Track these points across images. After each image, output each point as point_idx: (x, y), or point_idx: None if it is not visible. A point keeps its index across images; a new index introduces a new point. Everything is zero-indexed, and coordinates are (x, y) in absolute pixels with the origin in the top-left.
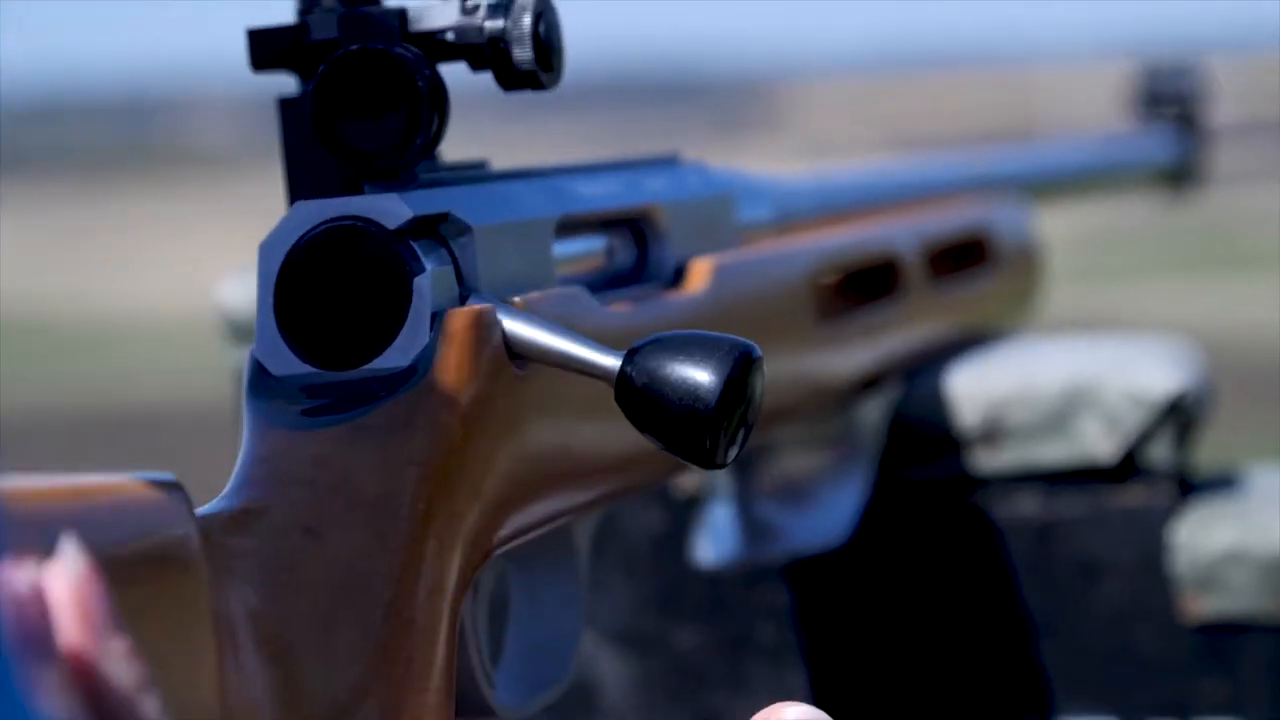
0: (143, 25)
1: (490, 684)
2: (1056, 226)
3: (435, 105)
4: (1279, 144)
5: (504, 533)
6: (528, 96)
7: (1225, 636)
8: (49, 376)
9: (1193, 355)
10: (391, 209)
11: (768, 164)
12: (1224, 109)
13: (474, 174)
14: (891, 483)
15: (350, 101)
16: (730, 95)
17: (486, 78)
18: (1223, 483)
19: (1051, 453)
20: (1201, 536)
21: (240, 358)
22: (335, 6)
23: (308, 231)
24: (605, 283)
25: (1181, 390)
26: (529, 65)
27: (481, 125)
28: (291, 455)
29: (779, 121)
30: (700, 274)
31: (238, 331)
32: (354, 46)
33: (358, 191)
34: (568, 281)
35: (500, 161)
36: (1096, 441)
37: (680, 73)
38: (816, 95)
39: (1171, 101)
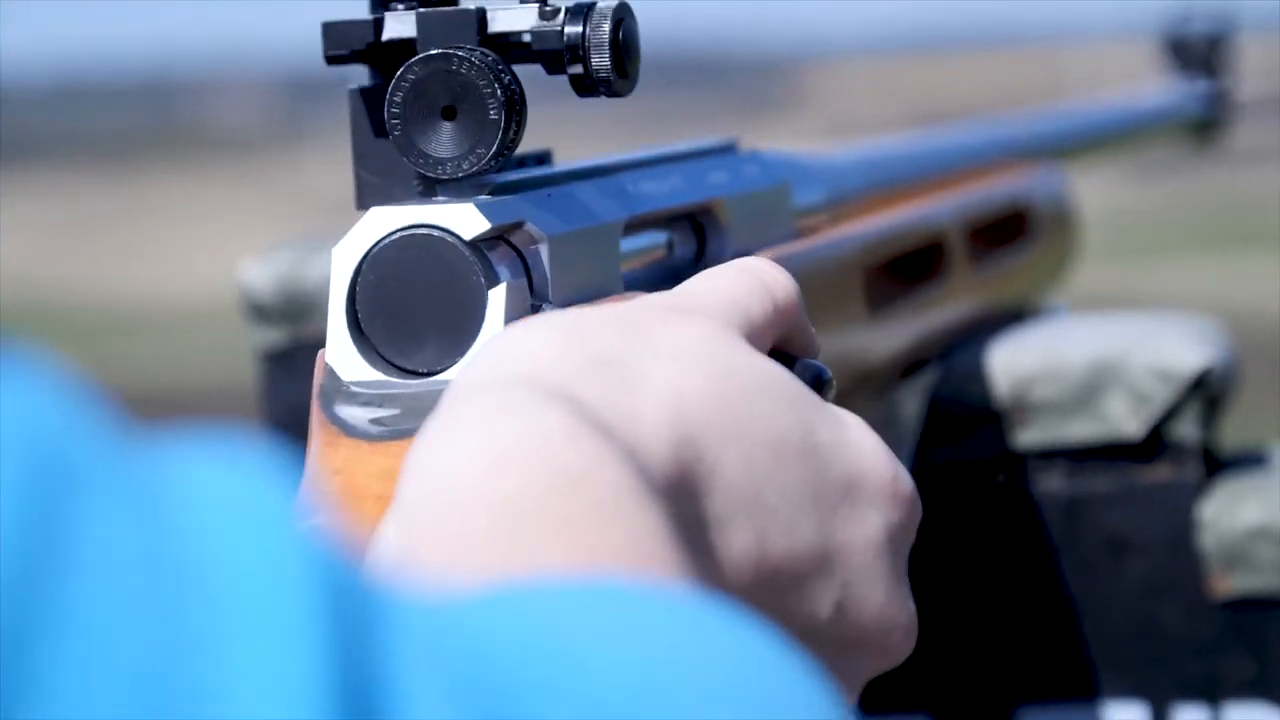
0: (166, 6)
1: None
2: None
3: (513, 112)
4: None
5: None
6: (550, 77)
7: (1252, 614)
8: (73, 362)
9: (1219, 332)
10: (468, 219)
11: (793, 143)
12: (1250, 86)
13: (544, 175)
14: (921, 460)
15: (427, 107)
16: (755, 75)
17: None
18: (1250, 460)
19: (1078, 429)
20: (1228, 513)
21: (263, 339)
22: (413, 2)
23: (383, 238)
24: (665, 276)
25: (1208, 366)
26: (606, 72)
27: None
28: (362, 467)
29: (804, 101)
30: None
31: (260, 313)
32: (434, 50)
33: (432, 194)
34: (631, 277)
35: (527, 146)
36: (1123, 418)
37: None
38: (841, 74)
39: (1196, 50)
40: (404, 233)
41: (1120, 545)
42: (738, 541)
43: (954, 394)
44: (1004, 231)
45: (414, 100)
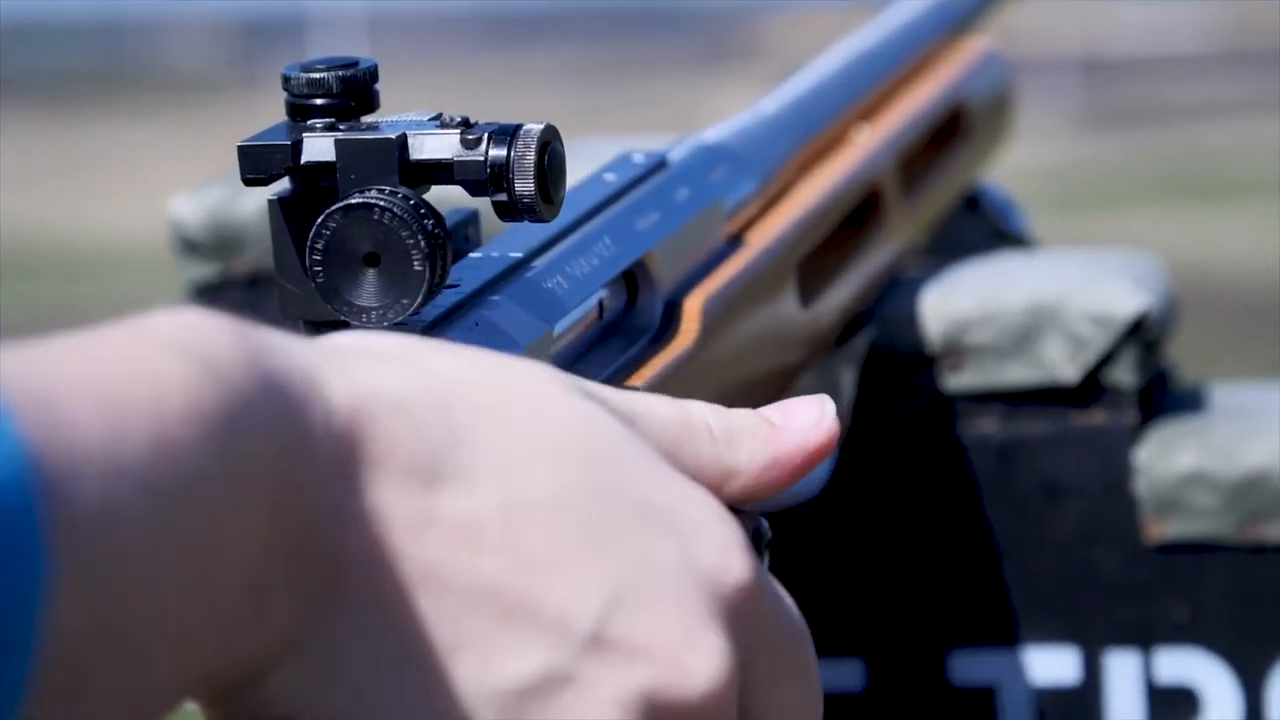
0: None
1: None
2: (1033, 156)
3: (437, 258)
4: (1259, 74)
5: None
6: (506, 26)
7: (1186, 559)
8: (11, 302)
9: (1157, 272)
10: None
11: (749, 93)
12: (1207, 40)
13: (467, 296)
14: (856, 406)
15: (349, 255)
16: (711, 24)
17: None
18: (1186, 403)
19: (1014, 373)
20: (1163, 459)
21: (193, 274)
22: (332, 124)
23: None
24: (596, 337)
25: (1145, 310)
26: (530, 199)
27: (460, 55)
28: None
29: (760, 51)
30: (690, 317)
31: (190, 248)
32: (354, 199)
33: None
34: (559, 354)
35: (484, 94)
36: (1059, 362)
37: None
38: (798, 25)
39: None
40: None
41: (1055, 490)
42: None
43: (889, 339)
44: (939, 138)
45: (336, 249)
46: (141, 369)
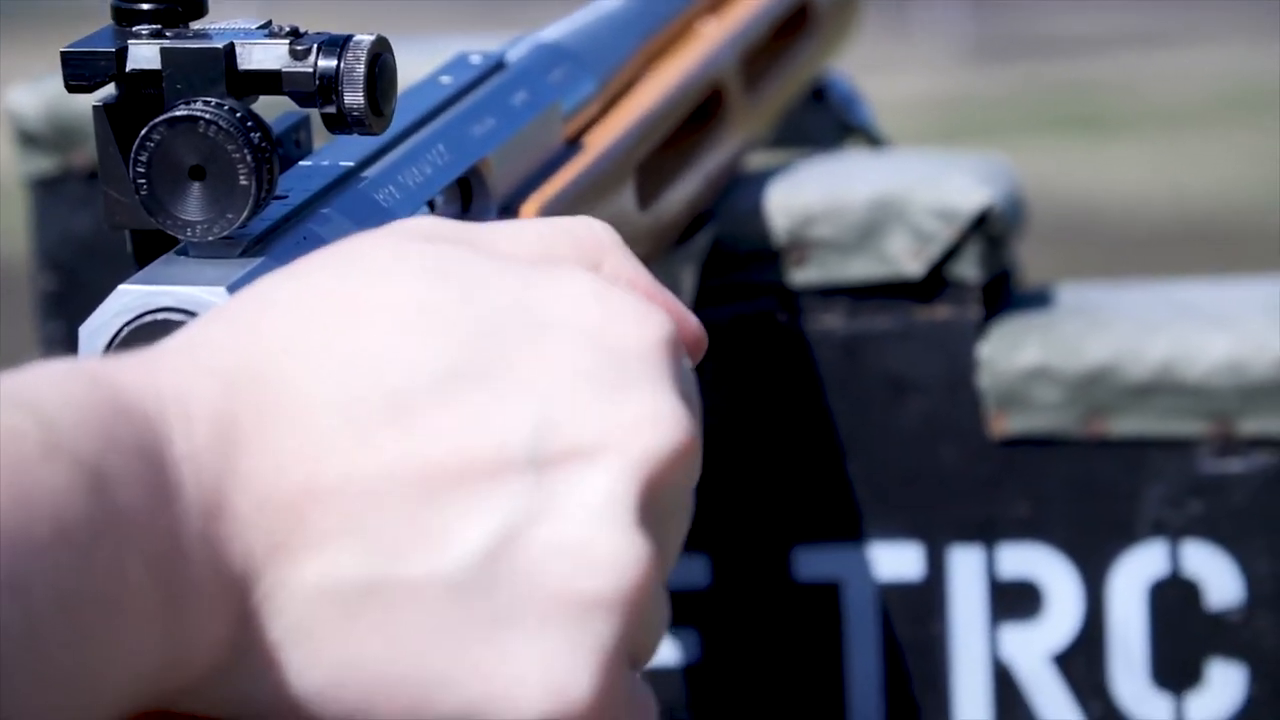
0: None
1: None
2: (921, 87)
3: (264, 172)
4: (1148, 7)
5: None
6: None
7: (1029, 454)
8: None
9: (1004, 170)
10: (215, 302)
11: None
12: None
13: (295, 209)
14: (699, 298)
15: (174, 168)
16: None
17: None
18: (1031, 300)
19: (858, 268)
20: (1006, 353)
21: (32, 167)
22: (159, 31)
23: (130, 321)
24: None
25: (989, 204)
26: (360, 111)
27: None
28: None
29: None
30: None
31: (29, 140)
32: (178, 111)
33: (185, 255)
34: None
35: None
36: (904, 257)
37: None
38: None
39: None
40: (151, 316)
41: (899, 385)
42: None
43: (731, 230)
44: (784, 31)
45: (160, 161)
46: None
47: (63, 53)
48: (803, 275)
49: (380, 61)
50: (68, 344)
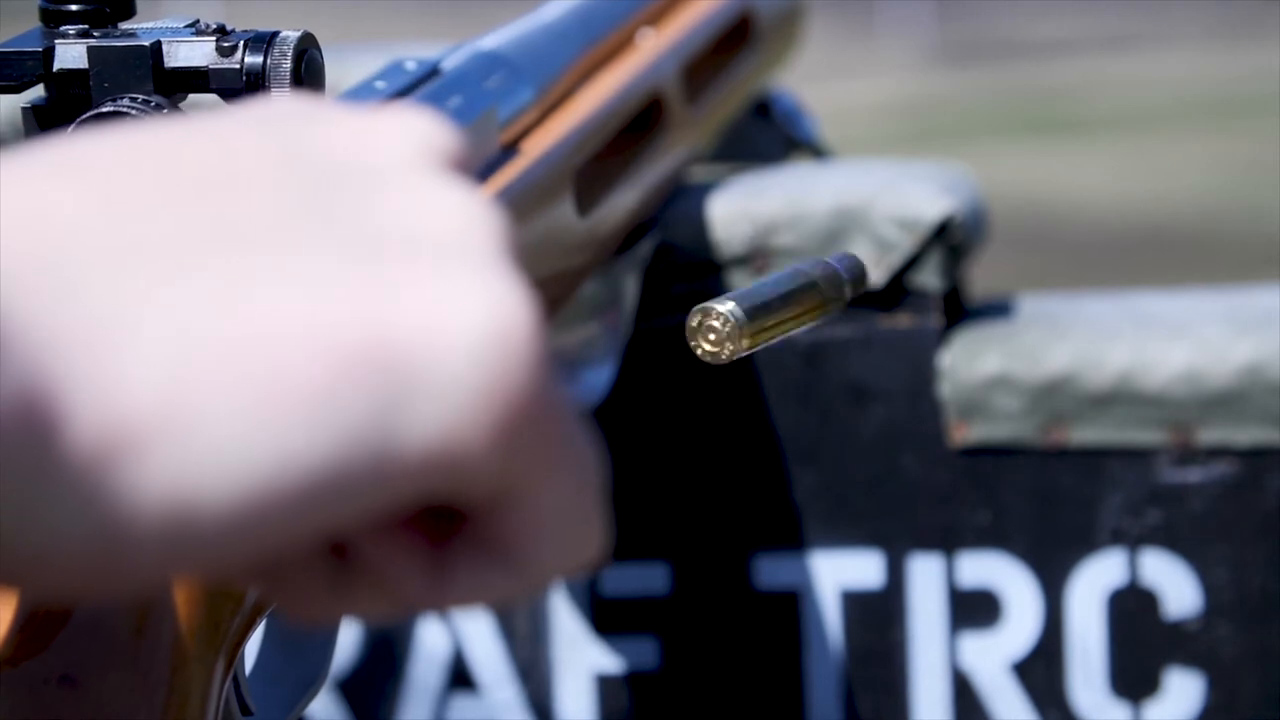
0: None
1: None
2: (886, 90)
3: None
4: (1112, 11)
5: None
6: None
7: (989, 463)
8: None
9: (965, 180)
10: None
11: None
12: None
13: None
14: (657, 306)
15: None
16: None
17: None
18: (992, 309)
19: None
20: (967, 362)
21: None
22: (86, 31)
23: None
24: None
25: (950, 214)
26: None
27: None
28: None
29: None
30: None
31: None
32: (105, 107)
33: None
34: None
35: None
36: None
37: None
38: None
39: None
40: None
41: (860, 393)
42: None
43: (692, 239)
44: (726, 44)
45: None
46: None
47: None
48: None
49: (307, 58)
50: None
